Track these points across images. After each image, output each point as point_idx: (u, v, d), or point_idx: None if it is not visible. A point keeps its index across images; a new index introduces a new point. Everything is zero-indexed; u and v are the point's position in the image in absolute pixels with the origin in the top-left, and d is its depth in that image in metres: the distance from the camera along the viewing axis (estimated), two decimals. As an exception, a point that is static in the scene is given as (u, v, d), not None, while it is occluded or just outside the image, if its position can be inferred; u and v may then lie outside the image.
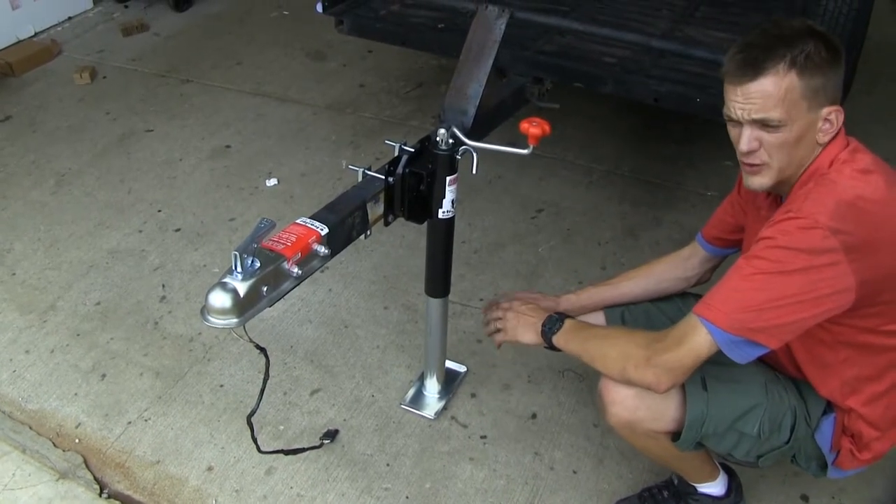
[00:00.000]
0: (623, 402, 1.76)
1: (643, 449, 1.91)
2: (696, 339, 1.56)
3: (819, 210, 1.50)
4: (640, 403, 1.75)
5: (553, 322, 1.86)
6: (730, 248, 2.00)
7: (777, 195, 1.70)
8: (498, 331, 2.00)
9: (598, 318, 2.11)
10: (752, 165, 1.61)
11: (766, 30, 1.57)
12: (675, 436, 1.79)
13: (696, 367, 1.60)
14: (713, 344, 1.55)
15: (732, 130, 1.62)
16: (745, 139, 1.57)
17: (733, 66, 1.55)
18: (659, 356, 1.61)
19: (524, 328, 1.92)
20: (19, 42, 4.74)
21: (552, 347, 1.87)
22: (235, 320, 1.52)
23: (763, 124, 1.54)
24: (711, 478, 2.04)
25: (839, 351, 1.69)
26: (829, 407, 1.79)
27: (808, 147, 1.57)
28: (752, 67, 1.51)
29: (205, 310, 1.52)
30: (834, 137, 1.59)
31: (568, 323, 1.85)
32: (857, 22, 2.90)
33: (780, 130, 1.54)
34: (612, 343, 1.75)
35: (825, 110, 1.54)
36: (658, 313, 2.06)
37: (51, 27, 4.96)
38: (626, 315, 2.09)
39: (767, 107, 1.52)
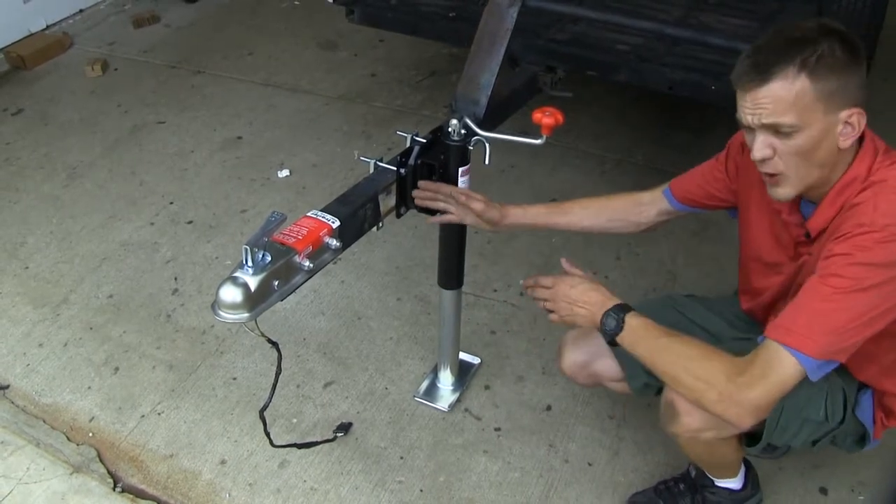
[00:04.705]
0: (700, 414, 1.63)
1: (691, 451, 1.88)
2: (783, 370, 1.46)
3: (894, 220, 1.45)
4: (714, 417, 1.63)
5: (615, 321, 1.66)
6: (697, 208, 1.96)
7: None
8: (550, 311, 1.81)
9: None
10: (770, 176, 1.55)
11: (777, 32, 1.50)
12: (747, 438, 1.76)
13: (781, 399, 1.51)
14: (801, 372, 1.46)
15: (747, 136, 1.56)
16: (758, 145, 1.51)
17: (742, 71, 1.49)
18: (743, 393, 1.48)
19: (582, 318, 1.74)
20: (31, 35, 4.73)
21: (613, 344, 1.71)
22: (247, 315, 1.50)
23: (776, 130, 1.48)
24: (735, 474, 2.02)
25: (881, 342, 1.62)
26: (863, 383, 1.76)
27: (829, 152, 1.50)
28: (760, 72, 1.45)
29: (215, 304, 1.51)
30: (860, 142, 1.53)
31: (632, 323, 1.65)
32: (875, 7, 2.85)
33: (794, 137, 1.47)
34: (686, 365, 1.57)
35: (844, 113, 1.47)
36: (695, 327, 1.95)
37: (62, 20, 4.94)
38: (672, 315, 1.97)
39: (778, 111, 1.45)
